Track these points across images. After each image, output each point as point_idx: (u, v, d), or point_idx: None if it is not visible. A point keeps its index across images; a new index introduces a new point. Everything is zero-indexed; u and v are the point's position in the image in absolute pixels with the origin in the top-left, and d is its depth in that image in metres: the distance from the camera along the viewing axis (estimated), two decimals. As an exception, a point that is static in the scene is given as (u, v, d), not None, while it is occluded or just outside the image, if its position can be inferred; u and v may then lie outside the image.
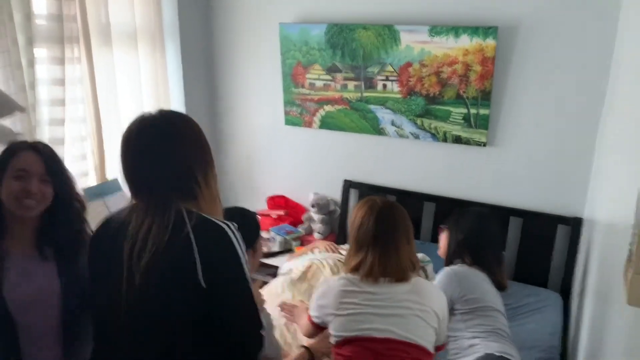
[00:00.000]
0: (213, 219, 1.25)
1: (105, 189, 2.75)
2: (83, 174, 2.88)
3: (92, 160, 2.91)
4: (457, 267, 2.05)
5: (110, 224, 1.31)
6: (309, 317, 1.85)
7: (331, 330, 1.72)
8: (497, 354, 1.84)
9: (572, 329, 2.49)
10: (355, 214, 1.81)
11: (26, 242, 1.53)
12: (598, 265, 1.90)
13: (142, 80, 3.15)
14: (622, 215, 1.37)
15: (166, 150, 1.26)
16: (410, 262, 1.72)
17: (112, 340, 1.27)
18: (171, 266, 1.19)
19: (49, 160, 1.53)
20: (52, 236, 1.54)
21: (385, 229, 1.72)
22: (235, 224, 1.28)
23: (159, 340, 1.22)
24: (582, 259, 2.58)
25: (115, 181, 2.80)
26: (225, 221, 1.26)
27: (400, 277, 1.70)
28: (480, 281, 2.02)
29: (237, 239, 1.25)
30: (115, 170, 2.90)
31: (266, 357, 1.50)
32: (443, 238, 2.22)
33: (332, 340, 1.73)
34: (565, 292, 2.74)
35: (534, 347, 2.26)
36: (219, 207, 1.34)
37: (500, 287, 2.09)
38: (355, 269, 1.74)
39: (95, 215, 1.67)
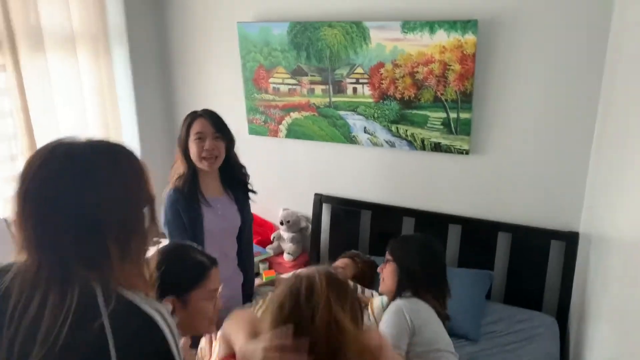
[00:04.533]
0: (139, 305, 0.89)
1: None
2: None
3: (26, 181, 2.56)
4: (406, 302, 1.75)
5: None
6: None
7: None
8: None
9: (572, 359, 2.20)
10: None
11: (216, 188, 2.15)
12: (613, 287, 1.61)
13: (85, 90, 2.81)
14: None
15: (68, 194, 0.89)
16: None
17: None
18: None
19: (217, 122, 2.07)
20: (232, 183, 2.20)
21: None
22: (169, 307, 0.96)
23: None
24: (581, 278, 2.29)
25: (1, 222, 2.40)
26: (156, 305, 0.91)
27: None
28: (430, 317, 1.74)
29: (171, 333, 0.90)
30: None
31: None
32: (389, 271, 1.88)
33: None
34: (561, 315, 2.44)
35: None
36: (143, 284, 0.96)
37: (446, 318, 1.83)
38: None
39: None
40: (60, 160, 0.90)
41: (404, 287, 1.82)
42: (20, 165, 2.49)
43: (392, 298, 1.85)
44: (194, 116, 2.10)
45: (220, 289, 1.44)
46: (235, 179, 2.22)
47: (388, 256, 1.91)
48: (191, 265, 1.41)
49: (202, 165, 2.06)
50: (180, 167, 2.07)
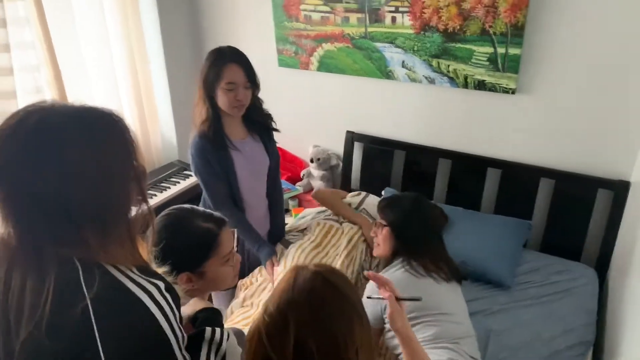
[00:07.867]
0: (126, 283, 0.83)
1: None
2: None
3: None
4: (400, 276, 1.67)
5: None
6: None
7: None
8: None
9: (610, 314, 2.12)
10: None
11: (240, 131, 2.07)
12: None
13: (108, 16, 2.68)
14: None
15: (33, 172, 0.81)
16: None
17: None
18: None
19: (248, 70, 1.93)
20: (255, 125, 2.10)
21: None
22: (164, 284, 0.87)
23: None
24: (628, 230, 2.15)
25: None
26: (145, 283, 0.85)
27: None
28: (419, 290, 1.62)
29: (161, 310, 0.84)
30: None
31: None
32: (384, 236, 1.82)
33: None
34: (601, 268, 2.33)
35: (560, 342, 1.91)
36: (134, 261, 0.89)
37: (461, 276, 1.77)
38: None
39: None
40: (28, 132, 0.81)
41: (398, 253, 1.77)
42: (47, 96, 2.45)
43: (387, 262, 1.81)
44: (223, 60, 1.90)
45: (235, 247, 1.34)
46: (257, 121, 2.11)
47: (380, 220, 1.85)
48: (198, 235, 1.26)
49: (231, 113, 1.96)
50: (202, 110, 1.97)
